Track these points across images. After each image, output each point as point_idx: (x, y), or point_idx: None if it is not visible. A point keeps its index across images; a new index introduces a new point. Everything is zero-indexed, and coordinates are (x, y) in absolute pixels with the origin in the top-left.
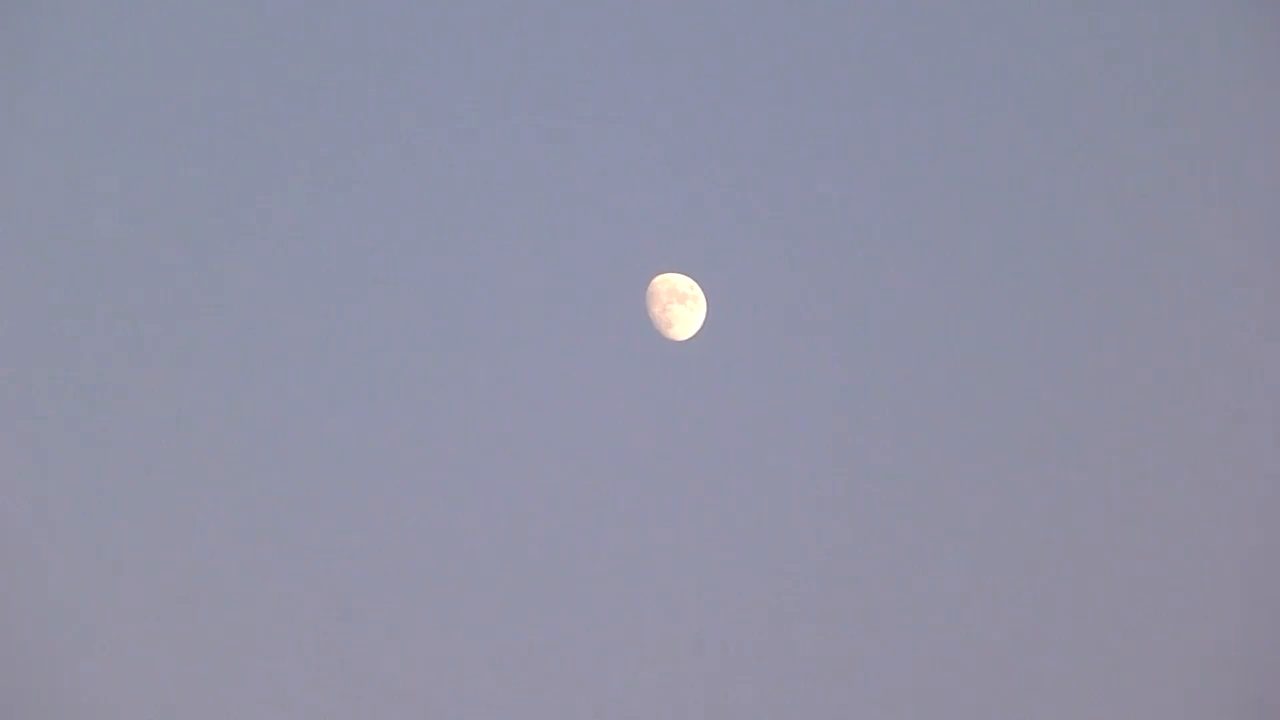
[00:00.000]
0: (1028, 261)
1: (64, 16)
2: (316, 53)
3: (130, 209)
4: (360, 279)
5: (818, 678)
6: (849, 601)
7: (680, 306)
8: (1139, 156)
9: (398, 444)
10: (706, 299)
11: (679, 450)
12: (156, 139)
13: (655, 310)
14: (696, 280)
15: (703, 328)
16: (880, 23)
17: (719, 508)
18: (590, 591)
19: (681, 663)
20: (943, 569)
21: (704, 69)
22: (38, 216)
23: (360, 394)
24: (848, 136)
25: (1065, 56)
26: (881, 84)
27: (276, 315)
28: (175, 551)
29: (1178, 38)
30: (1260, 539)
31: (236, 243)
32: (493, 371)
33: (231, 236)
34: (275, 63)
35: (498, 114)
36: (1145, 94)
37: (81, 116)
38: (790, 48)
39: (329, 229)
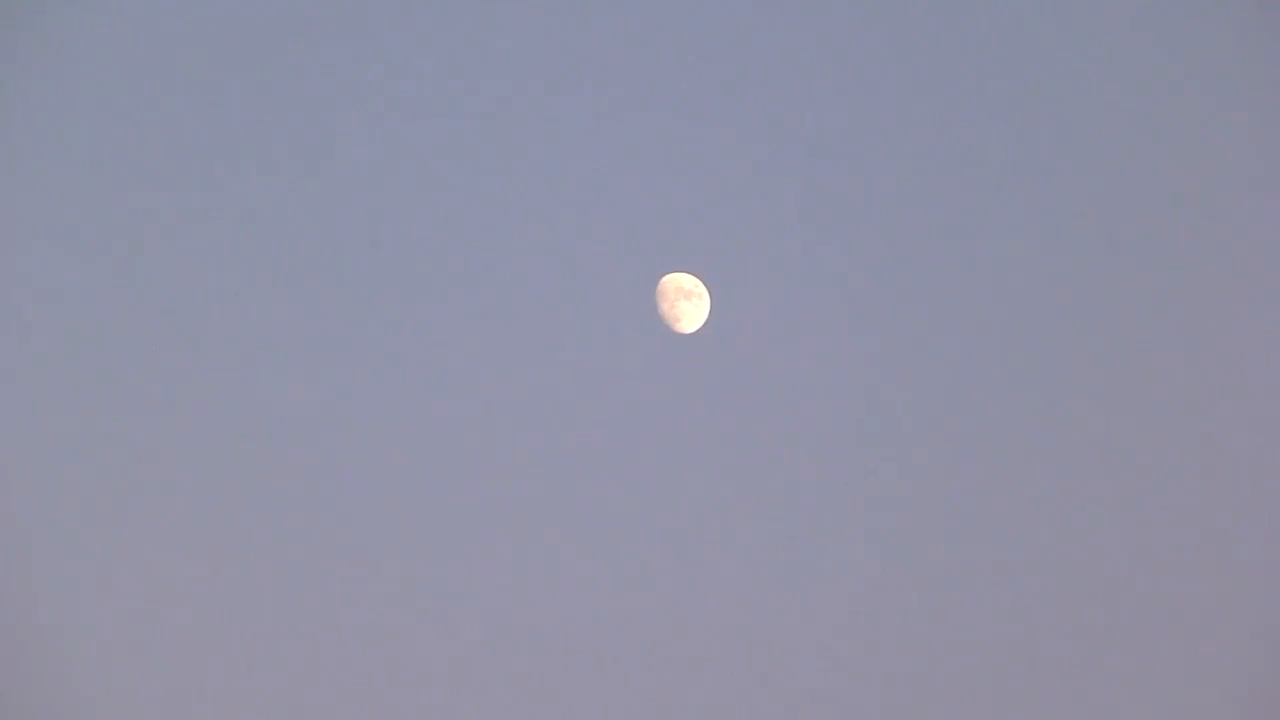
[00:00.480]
0: (1030, 259)
1: (59, 15)
2: (318, 46)
3: (126, 206)
4: (385, 278)
5: (822, 669)
6: (847, 584)
7: (686, 303)
8: (1144, 159)
9: (414, 435)
10: (710, 296)
11: (685, 430)
12: (155, 138)
13: (664, 306)
14: (701, 279)
15: (707, 322)
16: (885, 23)
17: (722, 486)
18: (601, 576)
19: (682, 649)
20: (949, 557)
21: (712, 86)
22: (34, 217)
23: (376, 389)
24: (846, 146)
25: (1084, 51)
26: (883, 88)
27: (281, 309)
28: (172, 550)
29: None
30: None
31: (241, 240)
32: (516, 362)
33: (236, 234)
34: (275, 54)
35: (522, 130)
36: (1148, 95)
37: (78, 116)
38: (794, 56)
39: (348, 227)
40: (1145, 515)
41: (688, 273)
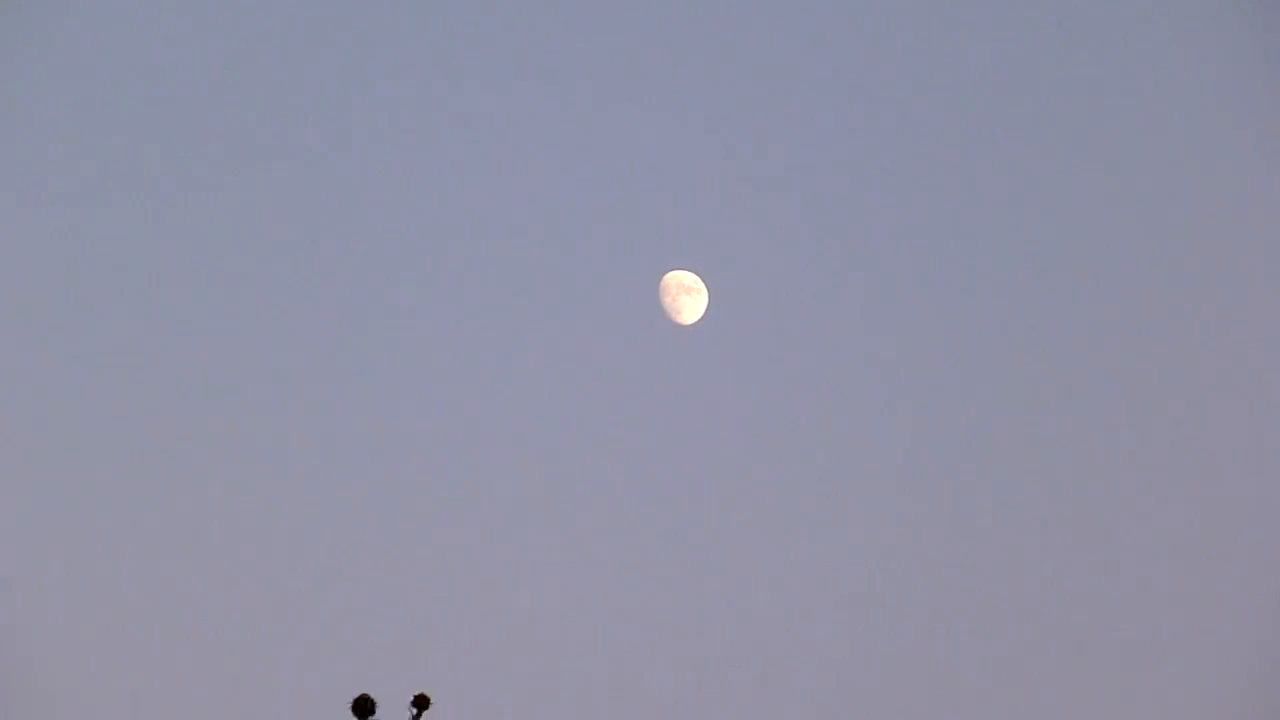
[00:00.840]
0: (1018, 252)
1: (61, 18)
2: (326, 46)
3: (126, 208)
4: (409, 276)
5: (822, 653)
6: (837, 560)
7: (686, 297)
8: (1144, 157)
9: (434, 424)
10: (708, 291)
11: (685, 410)
12: (156, 138)
13: (666, 300)
14: (700, 276)
15: (705, 314)
16: (878, 31)
17: (719, 460)
18: (605, 547)
19: (681, 625)
20: (939, 536)
21: (713, 103)
22: (37, 218)
23: (393, 382)
24: (835, 155)
25: (1080, 50)
26: (874, 97)
27: (297, 298)
28: (176, 550)
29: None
30: None
31: (247, 236)
32: (535, 349)
33: (245, 231)
34: (280, 54)
35: (541, 141)
36: (1147, 97)
37: (77, 120)
38: (788, 66)
39: (379, 227)
40: (1144, 511)
41: (688, 270)
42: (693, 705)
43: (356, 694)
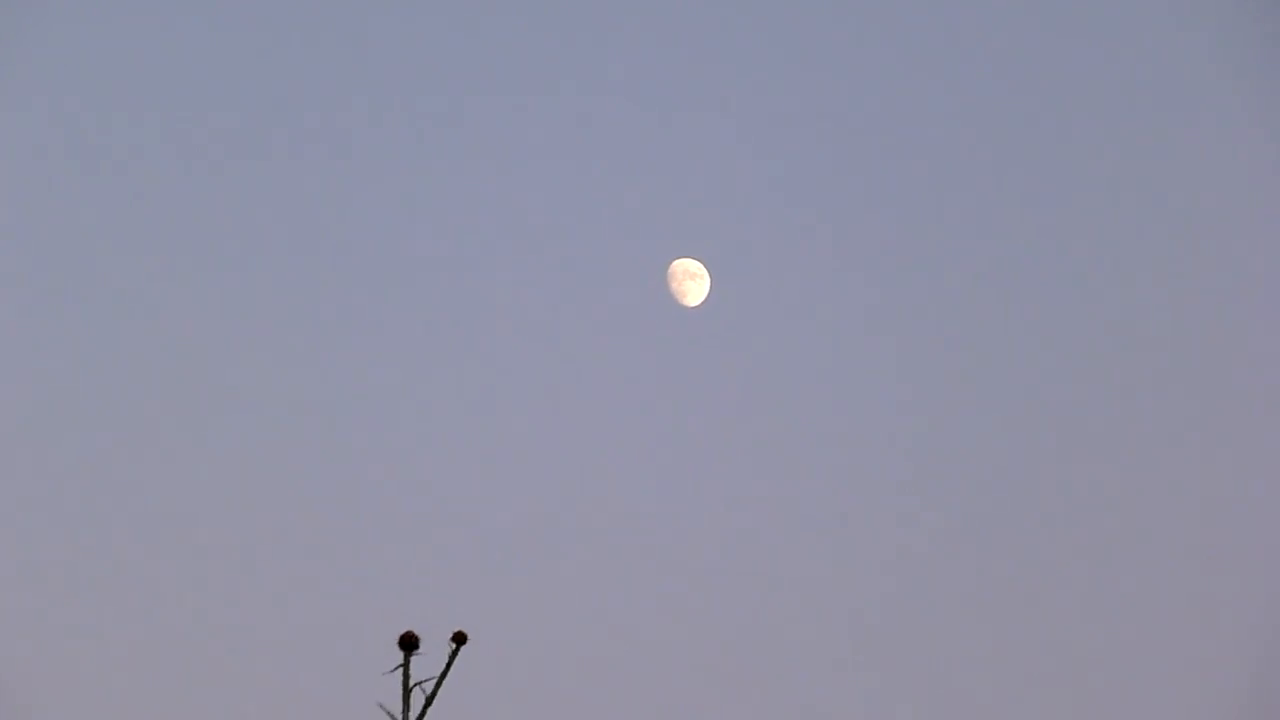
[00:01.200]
0: (1009, 243)
1: (60, 21)
2: (317, 40)
3: (123, 210)
4: (426, 265)
5: (824, 648)
6: (834, 539)
7: (691, 282)
8: (1150, 159)
9: (443, 406)
10: (711, 277)
11: (690, 386)
12: (155, 144)
13: (673, 285)
14: (703, 263)
15: (707, 298)
16: (883, 21)
17: (719, 435)
18: (613, 527)
19: (685, 615)
20: (943, 523)
21: (715, 97)
22: (35, 220)
23: (403, 363)
24: (830, 152)
25: (1083, 42)
26: (872, 88)
27: (305, 294)
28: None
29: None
30: None
31: (251, 232)
32: (550, 332)
33: (245, 224)
34: (271, 51)
35: (558, 139)
36: (1148, 98)
37: (76, 125)
38: (786, 57)
39: (388, 215)
40: (1144, 511)
41: (692, 258)
42: (693, 702)
43: (402, 631)
